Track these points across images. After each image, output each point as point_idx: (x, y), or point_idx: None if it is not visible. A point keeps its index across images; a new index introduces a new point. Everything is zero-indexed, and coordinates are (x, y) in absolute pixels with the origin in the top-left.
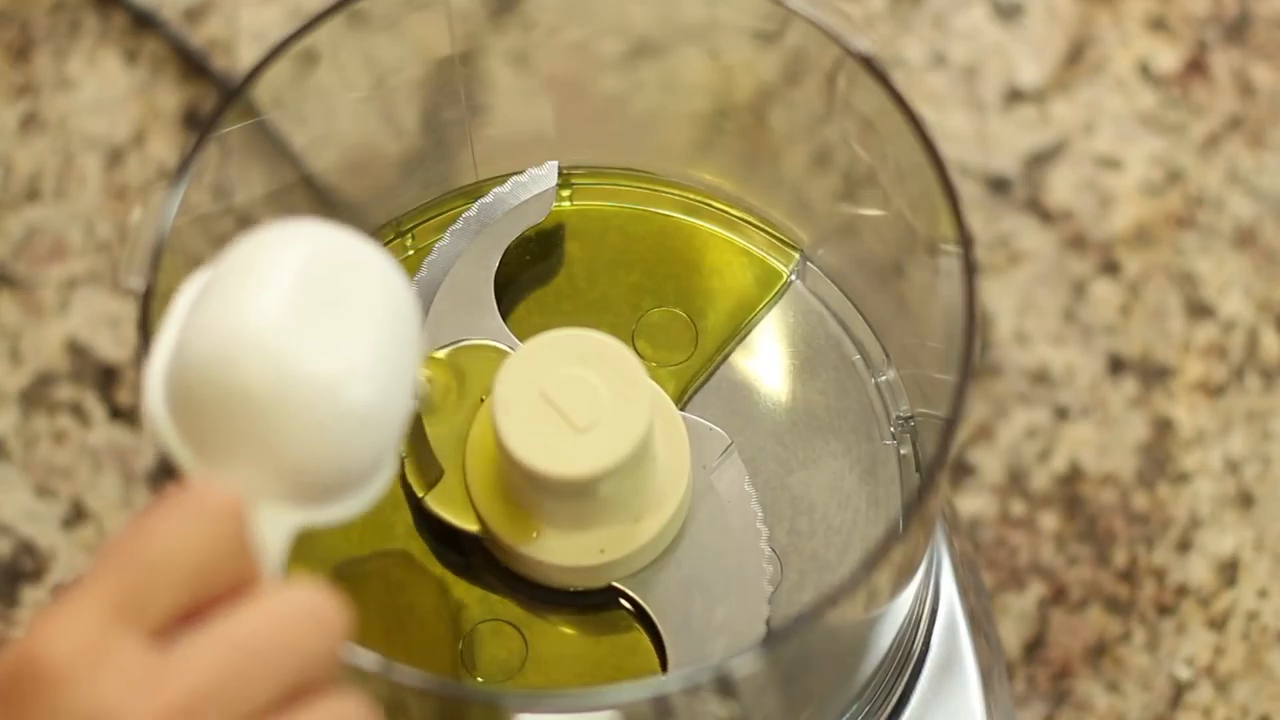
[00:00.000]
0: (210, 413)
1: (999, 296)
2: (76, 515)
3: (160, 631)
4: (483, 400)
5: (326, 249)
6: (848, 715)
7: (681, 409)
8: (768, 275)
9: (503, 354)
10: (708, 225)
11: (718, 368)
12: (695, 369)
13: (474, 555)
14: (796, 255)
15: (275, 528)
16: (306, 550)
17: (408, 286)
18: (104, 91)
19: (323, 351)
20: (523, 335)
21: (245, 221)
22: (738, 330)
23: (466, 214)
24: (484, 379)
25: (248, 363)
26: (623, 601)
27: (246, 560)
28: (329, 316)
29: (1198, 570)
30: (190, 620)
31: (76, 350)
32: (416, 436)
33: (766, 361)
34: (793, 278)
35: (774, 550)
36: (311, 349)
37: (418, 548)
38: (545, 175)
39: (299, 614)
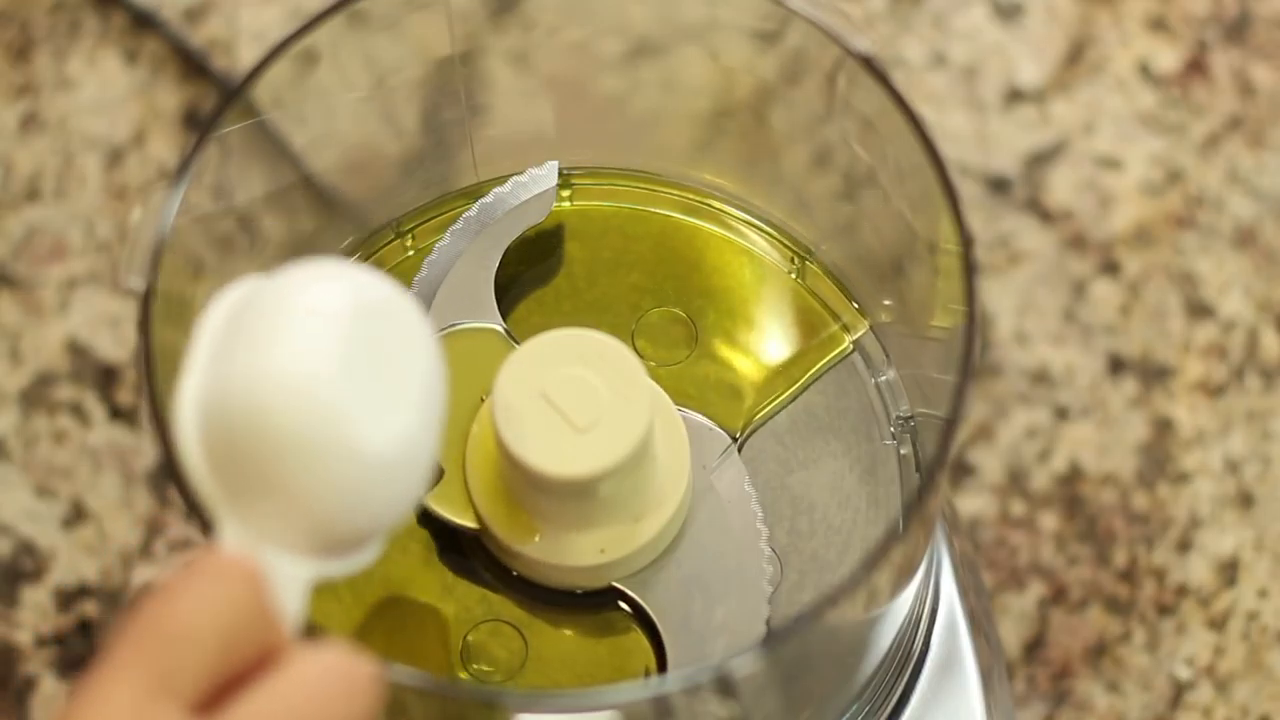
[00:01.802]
0: (241, 455)
1: (999, 296)
2: (76, 515)
3: (195, 706)
4: (483, 400)
5: (366, 298)
6: (848, 715)
7: (741, 444)
8: (829, 340)
9: (500, 336)
10: (708, 225)
11: (772, 417)
12: (751, 414)
13: (474, 555)
14: (866, 324)
15: (295, 580)
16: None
17: (436, 342)
18: (104, 91)
19: (358, 404)
20: (523, 335)
21: (245, 221)
22: (791, 384)
23: (466, 214)
24: (483, 365)
25: (282, 411)
26: (622, 602)
27: (272, 624)
28: (366, 369)
29: (1198, 570)
30: (224, 692)
31: (76, 350)
32: None
33: (767, 361)
34: (850, 348)
35: (774, 550)
36: (347, 401)
37: (418, 548)
38: (545, 175)
39: (331, 680)
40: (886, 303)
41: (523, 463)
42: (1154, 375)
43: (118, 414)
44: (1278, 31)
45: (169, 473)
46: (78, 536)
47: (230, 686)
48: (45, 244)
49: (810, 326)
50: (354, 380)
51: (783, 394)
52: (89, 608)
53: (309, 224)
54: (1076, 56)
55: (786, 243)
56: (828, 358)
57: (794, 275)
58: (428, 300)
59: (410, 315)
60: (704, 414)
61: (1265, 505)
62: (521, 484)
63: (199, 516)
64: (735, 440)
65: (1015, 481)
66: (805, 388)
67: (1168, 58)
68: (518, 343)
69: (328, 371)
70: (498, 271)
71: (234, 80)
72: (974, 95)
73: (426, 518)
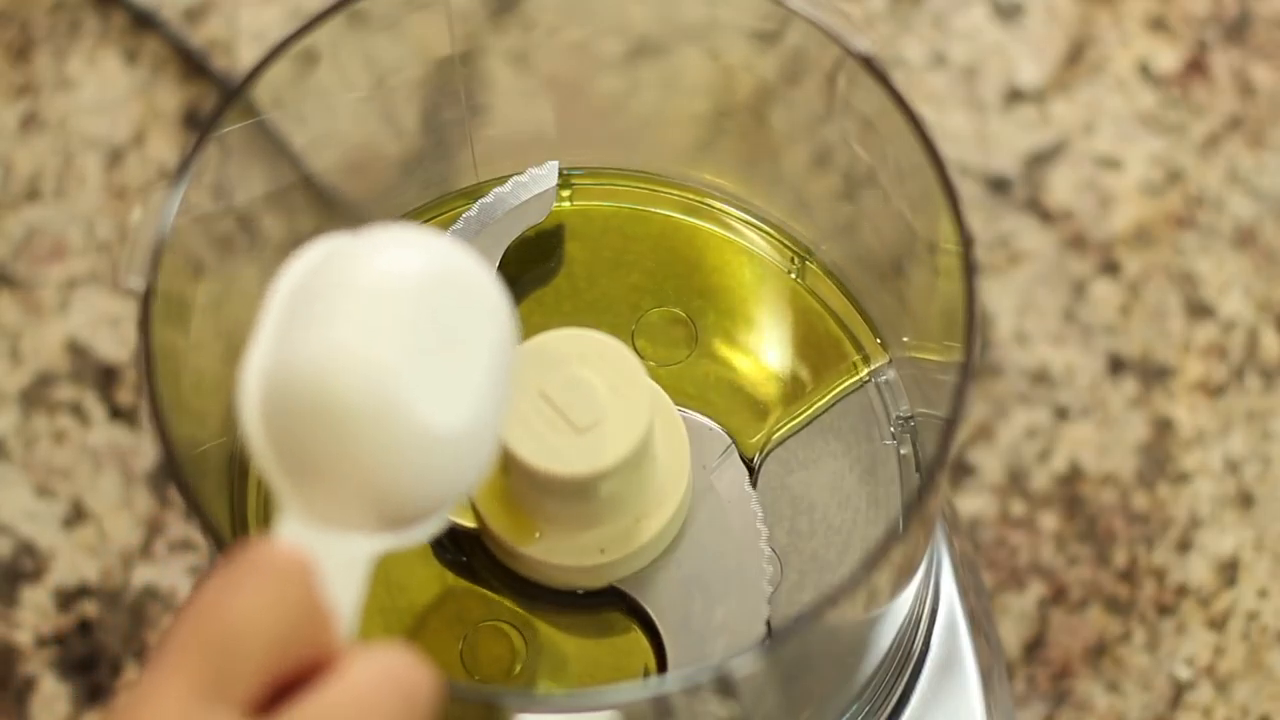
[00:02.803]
0: (304, 431)
1: (999, 296)
2: (76, 515)
3: (249, 708)
4: None
5: (437, 266)
6: (848, 715)
7: (760, 463)
8: (846, 369)
9: None
10: (708, 225)
11: (791, 436)
12: (768, 436)
13: (474, 555)
14: (882, 352)
15: (357, 558)
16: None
17: (509, 309)
18: (104, 91)
19: (425, 379)
20: (523, 335)
21: (245, 221)
22: (807, 405)
23: (466, 214)
24: None
25: (346, 387)
26: (622, 602)
27: (324, 621)
28: (435, 341)
29: (1198, 570)
30: (278, 695)
31: (76, 350)
32: None
33: (767, 361)
34: (868, 377)
35: (774, 550)
36: (413, 376)
37: (418, 548)
38: (545, 175)
39: (384, 684)
40: (905, 339)
41: (523, 463)
42: (1154, 375)
43: (118, 414)
44: (1278, 31)
45: (169, 472)
46: (78, 536)
47: (285, 689)
48: (45, 244)
49: (810, 327)
50: (422, 354)
51: (799, 417)
52: (89, 608)
53: (309, 224)
54: (1076, 56)
55: (786, 243)
56: (844, 385)
57: (794, 275)
58: None
59: (482, 283)
60: (704, 414)
61: (1265, 505)
62: (521, 484)
63: (199, 516)
64: (751, 468)
65: (1015, 481)
66: (820, 413)
67: (1168, 58)
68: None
69: (395, 347)
70: (498, 271)
71: (234, 80)
72: (974, 95)
73: None
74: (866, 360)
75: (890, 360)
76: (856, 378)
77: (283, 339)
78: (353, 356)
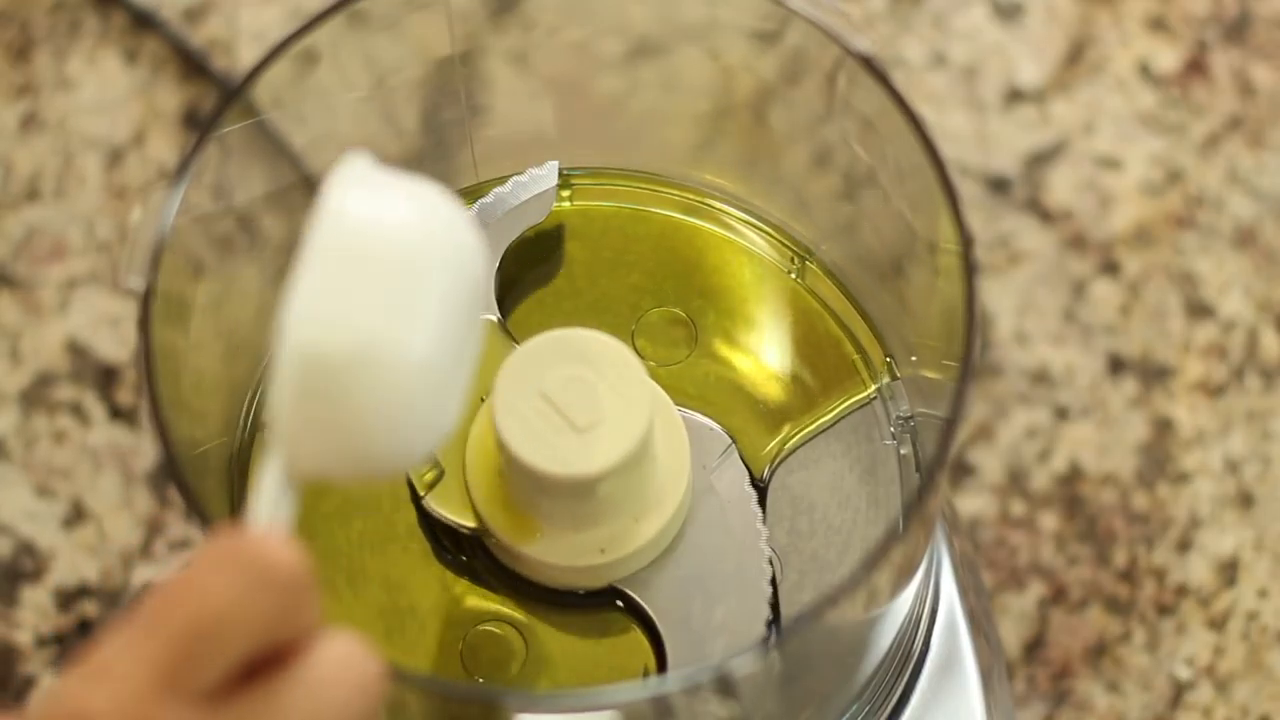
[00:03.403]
0: (305, 386)
1: (999, 296)
2: (76, 515)
3: (211, 696)
4: (483, 400)
5: (403, 204)
6: (848, 715)
7: (769, 475)
8: (854, 387)
9: (500, 335)
10: (708, 225)
11: (799, 447)
12: (777, 449)
13: (474, 555)
14: (887, 372)
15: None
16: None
17: (482, 248)
18: (104, 91)
19: (390, 317)
20: (523, 335)
21: (245, 221)
22: (815, 417)
23: None
24: (483, 364)
25: (328, 350)
26: (622, 602)
27: (303, 619)
28: (398, 275)
29: (1198, 570)
30: (242, 674)
31: (76, 350)
32: None
33: (767, 361)
34: (875, 393)
35: (774, 550)
36: (379, 316)
37: (418, 548)
38: (545, 175)
39: (343, 673)
40: (913, 358)
41: (523, 463)
42: (1154, 375)
43: (118, 414)
44: (1278, 31)
45: (169, 472)
46: (78, 536)
47: (250, 667)
48: (45, 244)
49: (810, 327)
50: (376, 292)
51: (807, 428)
52: (89, 608)
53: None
54: (1076, 56)
55: (786, 243)
56: (853, 400)
57: (794, 275)
58: None
59: (445, 213)
60: (704, 414)
61: (1265, 505)
62: (521, 484)
63: (199, 516)
64: (759, 485)
65: (1015, 481)
66: (829, 425)
67: (1168, 58)
68: (517, 342)
69: (370, 304)
70: (498, 271)
71: (234, 80)
72: (974, 95)
73: (426, 518)
74: (868, 361)
75: (890, 361)
76: (865, 393)
77: (293, 291)
78: (329, 322)
